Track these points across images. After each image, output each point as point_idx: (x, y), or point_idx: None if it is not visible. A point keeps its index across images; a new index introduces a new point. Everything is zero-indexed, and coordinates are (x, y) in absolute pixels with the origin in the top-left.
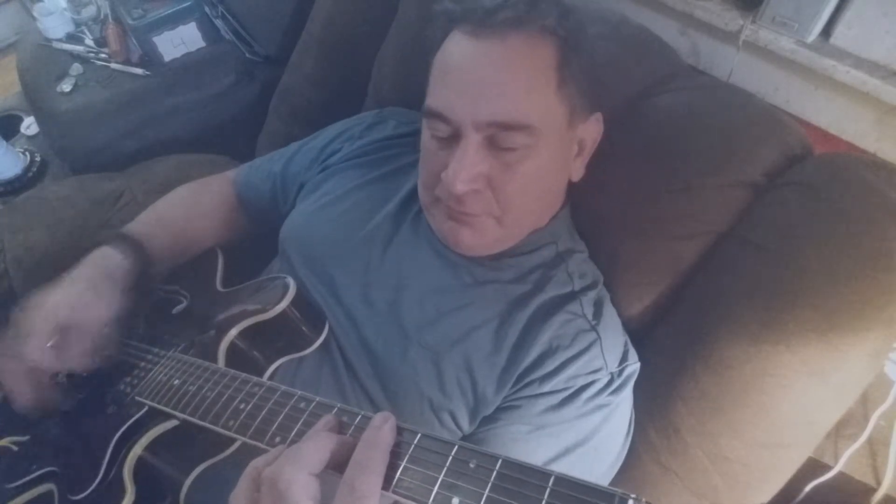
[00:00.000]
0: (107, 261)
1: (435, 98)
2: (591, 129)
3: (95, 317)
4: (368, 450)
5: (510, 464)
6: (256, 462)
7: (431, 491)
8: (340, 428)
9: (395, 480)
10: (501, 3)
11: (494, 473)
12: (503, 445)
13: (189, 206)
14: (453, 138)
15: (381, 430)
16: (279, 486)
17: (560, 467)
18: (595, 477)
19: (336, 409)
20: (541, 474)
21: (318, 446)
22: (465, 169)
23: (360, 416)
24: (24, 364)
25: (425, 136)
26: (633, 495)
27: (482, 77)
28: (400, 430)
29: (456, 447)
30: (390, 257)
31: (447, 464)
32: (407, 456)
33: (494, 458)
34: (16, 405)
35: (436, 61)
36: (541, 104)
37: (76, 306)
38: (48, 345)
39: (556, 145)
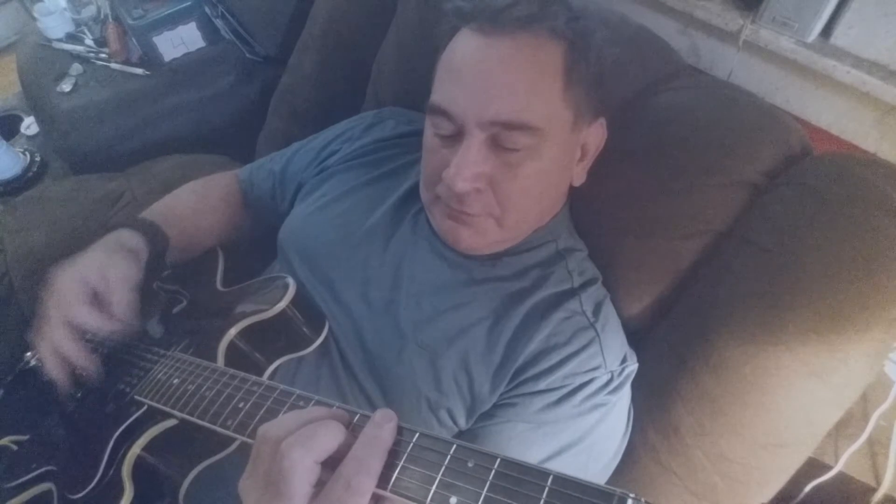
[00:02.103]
0: (124, 238)
1: (440, 94)
2: (595, 135)
3: (123, 278)
4: (368, 447)
5: (508, 463)
6: (266, 429)
7: (429, 490)
8: (347, 424)
9: (393, 480)
10: (512, 1)
11: (493, 473)
12: (499, 442)
13: (197, 202)
14: (456, 136)
15: (383, 428)
16: (284, 463)
17: (556, 465)
18: (591, 476)
19: (334, 408)
20: (539, 473)
21: (331, 436)
22: (468, 167)
23: (357, 415)
24: (67, 327)
25: (428, 133)
26: (632, 494)
27: (489, 75)
28: (398, 430)
29: (454, 446)
30: (389, 256)
31: (445, 463)
32: (405, 455)
33: (493, 457)
34: (58, 374)
35: (443, 58)
36: (546, 105)
37: (104, 269)
38: (86, 305)
39: (559, 148)
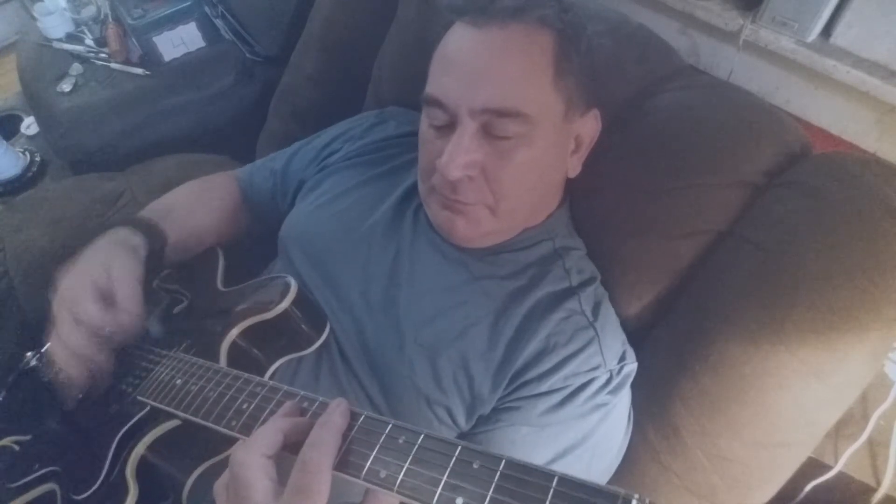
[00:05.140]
0: (123, 236)
1: (433, 85)
2: (589, 126)
3: (127, 273)
4: (319, 429)
5: (513, 464)
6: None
7: (435, 492)
8: (300, 413)
9: (399, 481)
10: None
11: (498, 474)
12: (503, 446)
13: (195, 201)
14: (450, 126)
15: (333, 413)
16: (235, 469)
17: (559, 467)
18: (593, 476)
19: (315, 405)
20: (544, 474)
21: (270, 430)
22: (460, 155)
23: (318, 402)
24: (80, 328)
25: (423, 124)
26: (636, 495)
27: (479, 64)
28: (402, 430)
29: (459, 448)
30: (389, 253)
31: (451, 464)
32: (410, 456)
33: (498, 458)
34: (78, 374)
35: (437, 51)
36: (536, 93)
37: (107, 266)
38: (95, 303)
39: (551, 137)
